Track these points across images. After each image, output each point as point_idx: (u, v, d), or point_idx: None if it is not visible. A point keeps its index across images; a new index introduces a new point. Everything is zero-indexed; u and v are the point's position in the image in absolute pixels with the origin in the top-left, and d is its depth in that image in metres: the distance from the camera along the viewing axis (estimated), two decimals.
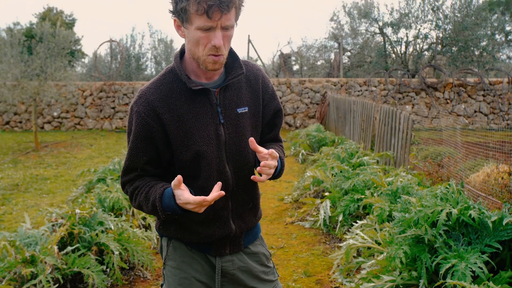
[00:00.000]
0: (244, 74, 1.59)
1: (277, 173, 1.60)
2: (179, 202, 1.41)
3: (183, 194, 1.39)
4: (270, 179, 1.58)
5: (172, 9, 1.45)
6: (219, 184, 1.43)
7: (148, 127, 1.48)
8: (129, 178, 1.56)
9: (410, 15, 16.72)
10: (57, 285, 2.98)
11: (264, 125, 1.68)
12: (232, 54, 1.59)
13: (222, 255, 1.62)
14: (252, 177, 1.50)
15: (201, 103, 1.52)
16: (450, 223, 2.67)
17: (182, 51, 1.58)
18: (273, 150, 1.49)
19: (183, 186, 1.41)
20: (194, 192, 1.53)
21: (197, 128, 1.51)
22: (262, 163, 1.44)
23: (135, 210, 4.35)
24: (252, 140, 1.45)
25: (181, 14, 1.41)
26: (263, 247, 1.74)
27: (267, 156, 1.47)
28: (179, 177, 1.38)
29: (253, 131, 1.61)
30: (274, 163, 1.48)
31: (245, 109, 1.58)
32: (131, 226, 3.89)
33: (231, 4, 1.37)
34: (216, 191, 1.40)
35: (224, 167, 1.55)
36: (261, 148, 1.47)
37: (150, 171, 1.55)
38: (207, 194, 1.48)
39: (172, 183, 1.40)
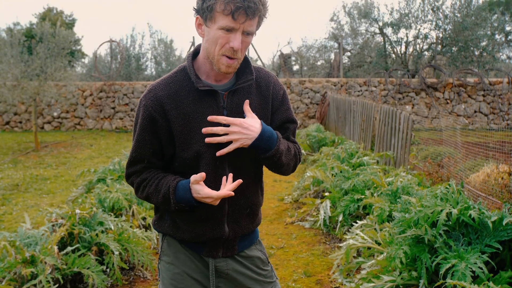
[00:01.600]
0: (254, 80, 1.59)
1: (264, 146, 1.50)
2: (197, 196, 1.46)
3: (203, 189, 1.45)
4: (265, 160, 1.54)
5: (196, 7, 1.48)
6: (230, 175, 1.50)
7: (154, 121, 1.51)
8: (136, 169, 1.58)
9: (410, 15, 16.72)
10: (57, 285, 2.98)
11: (274, 129, 1.65)
12: (245, 59, 1.60)
13: (214, 257, 1.62)
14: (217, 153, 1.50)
15: (208, 104, 1.53)
16: (450, 223, 2.67)
17: (195, 52, 1.60)
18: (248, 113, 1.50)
19: (201, 182, 1.47)
20: None
21: (201, 128, 1.52)
22: (210, 117, 1.48)
23: (135, 210, 4.35)
24: (246, 101, 1.51)
25: (206, 12, 1.43)
26: (259, 251, 1.73)
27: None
28: (203, 174, 1.45)
29: None
30: (223, 117, 1.47)
31: None
32: (131, 226, 3.89)
33: (257, 11, 1.41)
34: (231, 183, 1.48)
35: (224, 170, 1.55)
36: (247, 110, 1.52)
37: (156, 163, 1.58)
38: None
39: (193, 178, 1.46)
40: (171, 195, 1.49)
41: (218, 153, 1.50)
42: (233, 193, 1.46)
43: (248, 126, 1.48)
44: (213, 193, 1.44)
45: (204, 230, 1.58)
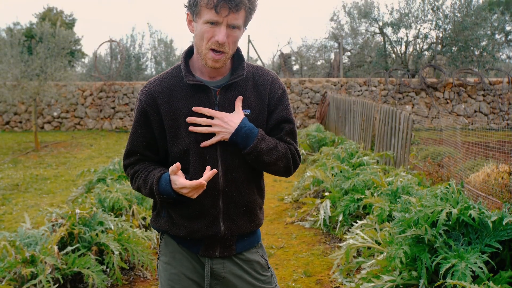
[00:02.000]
0: (244, 76, 1.58)
1: (240, 142, 1.53)
2: (174, 187, 1.48)
3: (179, 179, 1.47)
4: (250, 157, 1.54)
5: (187, 4, 1.51)
6: (208, 168, 1.50)
7: (147, 114, 1.56)
8: (130, 161, 1.63)
9: (410, 15, 16.72)
10: (57, 285, 2.98)
11: (270, 129, 1.63)
12: (239, 56, 1.61)
13: (211, 257, 1.60)
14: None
15: (199, 100, 1.54)
16: (450, 223, 2.67)
17: (191, 49, 1.62)
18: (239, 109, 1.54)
19: (180, 172, 1.48)
20: None
21: (190, 124, 1.54)
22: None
23: (135, 210, 4.35)
24: (239, 97, 1.55)
25: (192, 7, 1.47)
26: (259, 255, 1.69)
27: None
28: (177, 164, 1.46)
29: None
30: (206, 109, 1.52)
31: (246, 112, 1.57)
32: (131, 226, 3.89)
33: (240, 5, 1.42)
34: (207, 172, 1.48)
35: (215, 165, 1.55)
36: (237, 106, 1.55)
37: (150, 157, 1.62)
38: None
39: (170, 168, 1.48)
40: (155, 186, 1.52)
41: (202, 144, 1.53)
42: (205, 183, 1.44)
43: (228, 121, 1.51)
44: (187, 183, 1.45)
45: (199, 227, 1.57)
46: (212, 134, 1.54)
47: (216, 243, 1.60)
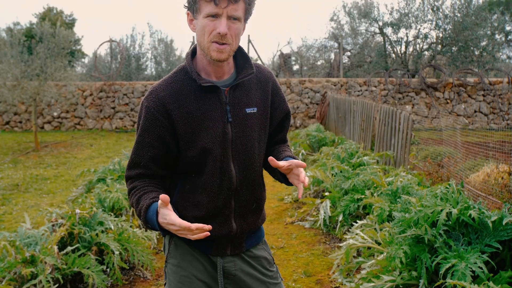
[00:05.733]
0: (254, 75, 1.61)
1: None
2: (162, 221, 1.38)
3: (170, 215, 1.36)
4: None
5: (187, 4, 1.51)
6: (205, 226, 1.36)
7: (157, 122, 1.50)
8: (132, 174, 1.55)
9: (410, 15, 16.72)
10: (57, 285, 2.98)
11: (273, 128, 1.68)
12: (243, 55, 1.61)
13: (222, 256, 1.61)
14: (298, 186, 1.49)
15: (210, 100, 1.53)
16: (450, 223, 2.67)
17: (194, 50, 1.60)
18: (293, 161, 1.48)
19: (169, 206, 1.38)
20: (196, 188, 1.55)
21: (205, 125, 1.52)
22: (296, 175, 1.49)
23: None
24: (271, 159, 1.45)
25: (192, 5, 1.47)
26: (266, 251, 1.73)
27: (292, 167, 1.48)
28: (165, 197, 1.34)
29: (260, 131, 1.61)
30: (302, 172, 1.49)
31: (253, 110, 1.59)
32: (131, 226, 3.89)
33: None
34: (203, 226, 1.35)
35: (229, 165, 1.55)
36: (282, 163, 1.47)
37: (152, 169, 1.54)
38: (209, 191, 1.54)
39: (159, 202, 1.37)
40: (143, 213, 1.45)
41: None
42: (194, 227, 1.33)
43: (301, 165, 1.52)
44: (177, 221, 1.35)
45: (212, 228, 1.56)
46: (225, 136, 1.53)
47: (228, 242, 1.61)
